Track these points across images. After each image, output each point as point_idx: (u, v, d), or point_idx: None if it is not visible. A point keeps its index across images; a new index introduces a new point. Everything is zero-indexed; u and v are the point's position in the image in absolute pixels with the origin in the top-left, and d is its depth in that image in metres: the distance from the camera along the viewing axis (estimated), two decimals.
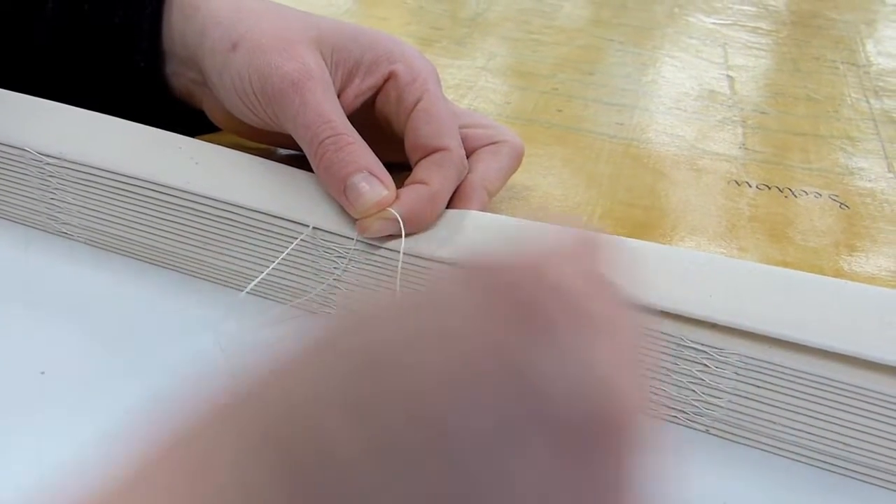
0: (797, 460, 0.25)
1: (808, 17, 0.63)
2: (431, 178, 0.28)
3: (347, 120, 0.29)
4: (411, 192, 0.28)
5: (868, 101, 0.49)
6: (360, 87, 0.30)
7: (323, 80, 0.29)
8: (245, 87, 0.29)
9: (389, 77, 0.30)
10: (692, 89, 0.49)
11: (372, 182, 0.27)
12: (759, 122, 0.44)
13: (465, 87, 0.47)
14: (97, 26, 0.33)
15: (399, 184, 0.28)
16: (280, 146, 0.35)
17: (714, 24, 0.60)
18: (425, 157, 0.29)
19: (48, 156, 0.30)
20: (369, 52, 0.30)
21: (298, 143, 0.29)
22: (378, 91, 0.31)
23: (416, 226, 0.27)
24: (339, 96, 0.30)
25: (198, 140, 0.31)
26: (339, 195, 0.28)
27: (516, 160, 0.33)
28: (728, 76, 0.51)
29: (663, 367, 0.25)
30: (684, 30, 0.58)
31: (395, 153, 0.30)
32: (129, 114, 0.32)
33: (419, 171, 0.29)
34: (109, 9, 0.33)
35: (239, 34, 0.30)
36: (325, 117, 0.28)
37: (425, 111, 0.30)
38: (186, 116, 0.34)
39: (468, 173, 0.31)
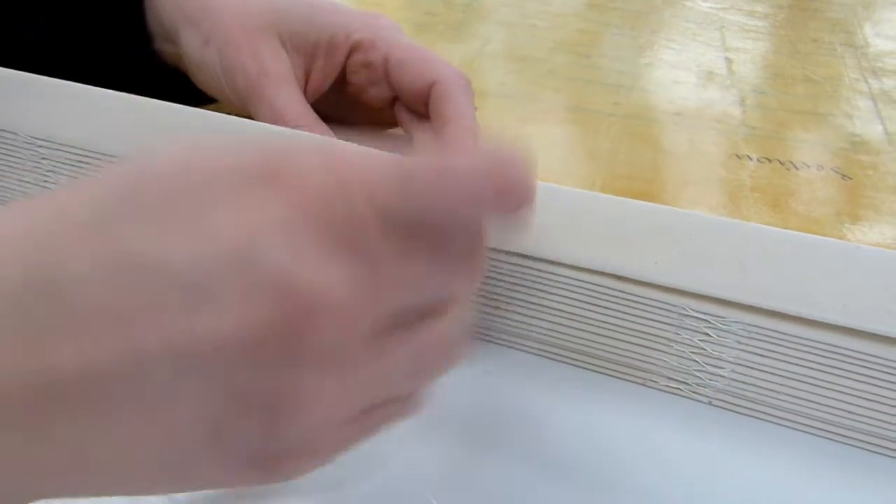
0: (801, 430, 0.25)
1: (805, 0, 0.63)
2: (447, 114, 0.29)
3: (305, 107, 0.30)
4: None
5: (867, 81, 0.48)
6: (326, 68, 0.31)
7: (278, 76, 0.30)
8: (219, 81, 0.31)
9: (351, 50, 0.31)
10: (690, 71, 0.48)
11: None
12: (759, 101, 0.44)
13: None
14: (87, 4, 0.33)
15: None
16: None
17: (711, 7, 0.59)
18: (427, 99, 0.30)
19: (40, 139, 0.30)
20: (326, 30, 0.31)
21: None
22: (345, 66, 0.31)
23: None
24: (306, 80, 0.32)
25: (188, 110, 0.30)
26: None
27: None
28: (726, 58, 0.51)
29: (665, 338, 0.25)
30: (681, 13, 0.58)
31: (385, 117, 0.32)
32: (127, 85, 0.32)
33: (433, 115, 0.29)
34: None
35: (208, 30, 0.31)
36: (279, 112, 0.29)
37: (399, 62, 0.30)
38: (188, 86, 0.34)
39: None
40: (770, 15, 0.59)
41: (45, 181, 0.31)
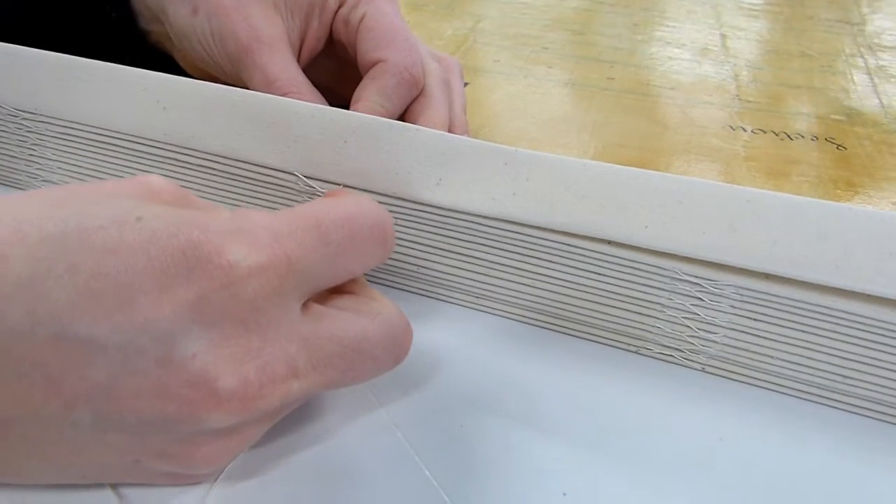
0: (795, 396, 0.25)
1: None
2: (363, 92, 0.29)
3: (298, 72, 0.29)
4: None
5: (863, 57, 0.48)
6: (319, 29, 0.31)
7: (271, 40, 0.29)
8: (210, 50, 0.30)
9: (339, 6, 0.30)
10: (684, 48, 0.48)
11: None
12: (753, 76, 0.44)
13: (453, 47, 0.46)
14: None
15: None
16: None
17: None
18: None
19: (24, 111, 0.30)
20: None
21: None
22: (332, 25, 0.31)
23: None
24: (302, 43, 0.31)
25: (168, 78, 0.29)
26: None
27: (456, 93, 0.32)
28: (721, 34, 0.50)
29: (657, 303, 0.25)
30: None
31: None
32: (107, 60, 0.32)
33: (357, 90, 0.29)
34: None
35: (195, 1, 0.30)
36: (270, 78, 0.29)
37: (366, 28, 0.30)
38: (166, 63, 0.34)
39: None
40: None
41: (32, 154, 0.31)
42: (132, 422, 0.16)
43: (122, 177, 0.30)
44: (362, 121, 0.25)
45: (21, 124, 0.30)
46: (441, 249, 0.26)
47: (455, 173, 0.25)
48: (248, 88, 0.29)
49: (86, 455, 0.17)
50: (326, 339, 0.19)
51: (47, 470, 0.18)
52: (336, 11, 0.31)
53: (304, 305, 0.19)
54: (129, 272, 0.16)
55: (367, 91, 0.29)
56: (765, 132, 0.36)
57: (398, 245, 0.27)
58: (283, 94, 0.28)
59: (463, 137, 0.26)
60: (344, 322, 0.19)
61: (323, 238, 0.18)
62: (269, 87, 0.29)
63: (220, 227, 0.17)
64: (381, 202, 0.26)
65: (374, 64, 0.29)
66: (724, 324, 0.24)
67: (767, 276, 0.23)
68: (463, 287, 0.27)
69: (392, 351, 0.20)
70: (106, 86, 0.28)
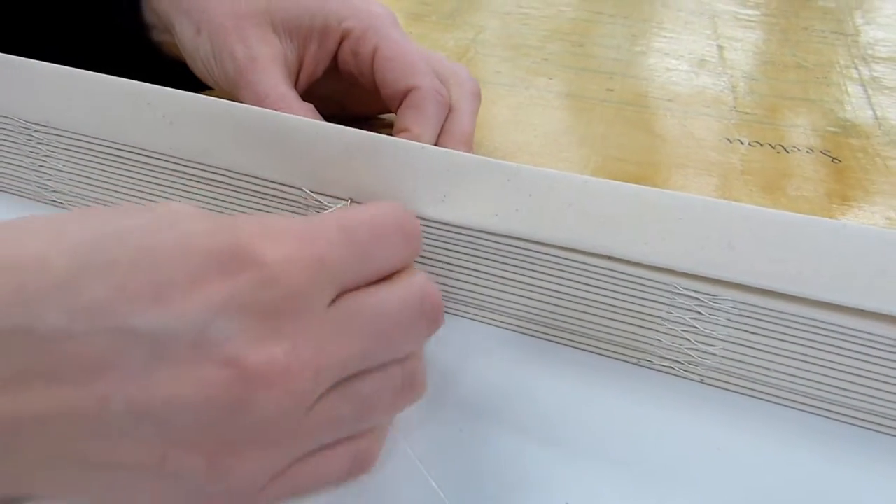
0: (792, 407, 0.25)
1: None
2: (410, 123, 0.29)
3: (288, 89, 0.30)
4: None
5: (857, 69, 0.49)
6: (318, 55, 0.32)
7: (265, 60, 0.30)
8: (211, 69, 0.31)
9: (343, 38, 0.31)
10: (682, 59, 0.49)
11: None
12: (750, 87, 0.45)
13: (454, 58, 0.46)
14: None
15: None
16: None
17: None
18: (401, 103, 0.30)
19: (34, 123, 0.30)
20: (319, 16, 0.31)
21: None
22: (336, 54, 0.32)
23: None
24: (300, 65, 0.32)
25: (173, 93, 0.29)
26: None
27: (477, 100, 0.33)
28: (718, 46, 0.51)
29: (657, 317, 0.25)
30: (673, 3, 0.58)
31: (377, 104, 0.32)
32: (122, 73, 0.33)
33: (399, 120, 0.30)
34: None
35: (199, 18, 0.31)
36: (261, 95, 0.30)
37: (385, 59, 0.30)
38: (181, 71, 0.34)
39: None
40: (762, 4, 0.59)
41: (43, 166, 0.31)
42: (165, 411, 0.16)
43: (132, 188, 0.30)
44: (368, 138, 0.26)
45: (32, 136, 0.31)
46: (445, 263, 0.27)
47: (459, 190, 0.26)
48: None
49: (117, 451, 0.17)
50: (353, 315, 0.19)
51: (74, 478, 0.18)
52: (340, 43, 0.31)
53: (335, 300, 0.19)
54: (164, 269, 0.16)
55: (411, 121, 0.30)
56: (761, 145, 0.37)
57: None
58: (275, 109, 0.29)
59: (467, 154, 0.26)
60: (366, 294, 0.19)
61: (350, 237, 0.19)
62: (260, 103, 0.29)
63: (251, 229, 0.18)
64: None
65: (406, 93, 0.30)
66: (722, 337, 0.25)
67: (766, 292, 0.24)
68: (466, 300, 0.28)
69: (422, 312, 0.20)
70: (112, 99, 0.29)
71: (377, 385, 0.20)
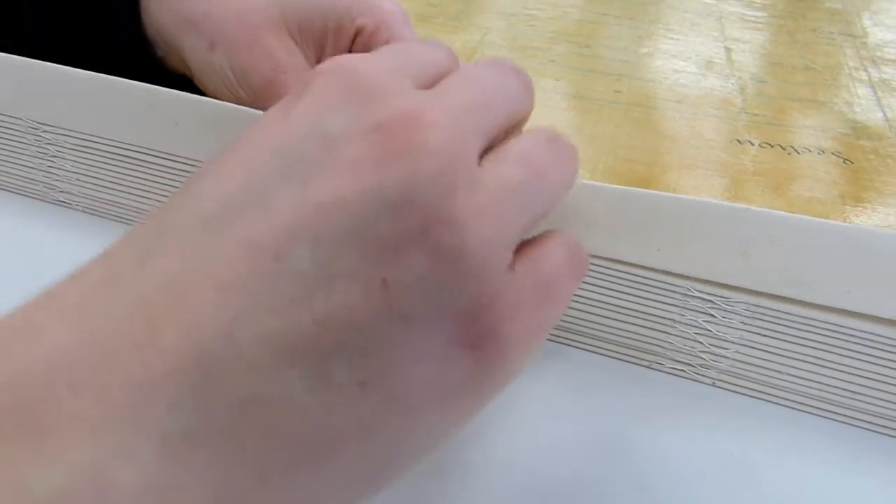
0: (805, 411, 0.25)
1: None
2: None
3: None
4: None
5: (866, 70, 0.49)
6: (334, 54, 0.31)
7: (294, 70, 0.29)
8: (231, 85, 0.30)
9: (356, 35, 0.31)
10: (689, 60, 0.48)
11: None
12: (758, 89, 0.44)
13: (462, 59, 0.46)
14: (81, 9, 0.33)
15: None
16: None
17: None
18: None
19: (42, 123, 0.30)
20: (332, 15, 0.30)
21: None
22: (350, 51, 0.31)
23: None
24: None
25: (178, 96, 0.29)
26: None
27: None
28: (725, 47, 0.51)
29: (669, 319, 0.25)
30: (679, 4, 0.58)
31: None
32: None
33: None
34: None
35: (212, 33, 0.30)
36: None
37: None
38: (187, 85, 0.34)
39: None
40: (769, 5, 0.59)
41: (51, 166, 0.31)
42: (350, 223, 0.14)
43: (141, 188, 0.30)
44: None
45: (40, 137, 0.31)
46: None
47: None
48: None
49: (324, 302, 0.14)
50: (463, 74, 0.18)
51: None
52: (353, 40, 0.31)
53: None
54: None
55: None
56: (772, 146, 0.36)
57: None
58: None
59: None
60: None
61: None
62: None
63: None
64: None
65: None
66: (735, 340, 0.25)
67: (780, 296, 0.24)
68: None
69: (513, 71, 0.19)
70: (118, 101, 0.29)
71: (526, 143, 0.17)
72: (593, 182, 0.25)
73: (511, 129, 0.19)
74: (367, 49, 0.31)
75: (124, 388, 0.13)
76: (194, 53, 0.30)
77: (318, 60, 0.31)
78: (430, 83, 0.17)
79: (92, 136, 0.29)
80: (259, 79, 0.29)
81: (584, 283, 0.26)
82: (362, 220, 0.14)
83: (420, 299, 0.14)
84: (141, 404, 0.13)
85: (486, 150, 0.17)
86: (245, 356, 0.13)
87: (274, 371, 0.13)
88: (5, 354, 0.13)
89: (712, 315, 0.25)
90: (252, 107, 0.29)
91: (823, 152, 0.36)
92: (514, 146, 0.17)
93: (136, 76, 0.31)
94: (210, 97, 0.34)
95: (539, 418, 0.24)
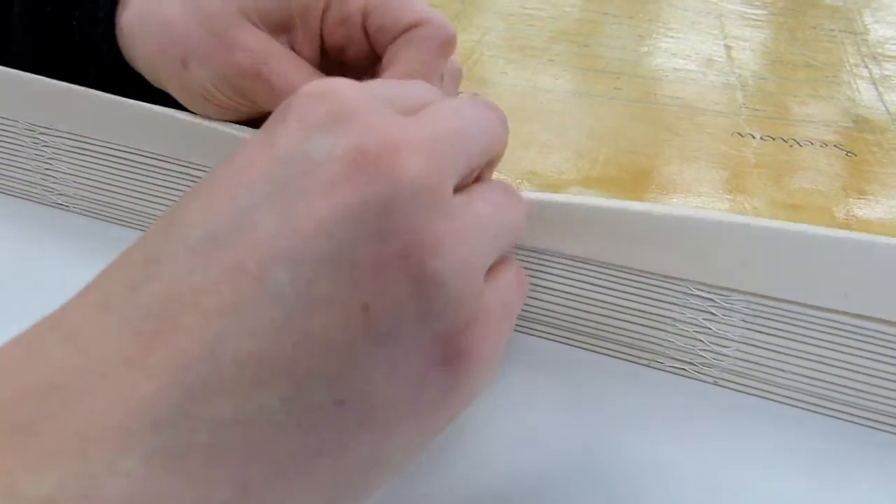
0: (807, 409, 0.25)
1: None
2: (400, 58, 0.26)
3: (319, 71, 0.28)
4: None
5: (867, 67, 0.48)
6: (306, 38, 0.28)
7: (274, 55, 0.28)
8: (213, 94, 0.29)
9: (325, 8, 0.28)
10: (689, 59, 0.48)
11: None
12: (759, 86, 0.44)
13: (460, 60, 0.46)
14: (60, 29, 0.32)
15: None
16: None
17: None
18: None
19: (39, 125, 0.30)
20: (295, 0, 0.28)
21: None
22: (322, 34, 0.29)
23: None
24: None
25: (189, 116, 0.29)
26: None
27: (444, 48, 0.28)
28: (725, 45, 0.50)
29: (669, 317, 0.25)
30: (678, 3, 0.58)
31: None
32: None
33: (389, 55, 0.27)
34: (68, 15, 0.31)
35: (180, 50, 0.28)
36: (299, 84, 0.27)
37: (377, 5, 0.27)
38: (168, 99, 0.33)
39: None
40: (769, 3, 0.59)
41: (48, 168, 0.31)
42: (329, 246, 0.14)
43: (138, 190, 0.30)
44: None
45: (37, 139, 0.30)
46: None
47: None
48: (267, 112, 0.29)
49: (303, 325, 0.14)
50: (430, 111, 0.18)
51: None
52: (322, 19, 0.28)
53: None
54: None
55: (403, 55, 0.26)
56: (773, 139, 0.36)
57: None
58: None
59: None
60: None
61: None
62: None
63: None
64: None
65: (405, 32, 0.27)
66: (736, 338, 0.25)
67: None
68: None
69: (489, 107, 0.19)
70: (112, 112, 0.28)
71: (489, 189, 0.18)
72: (593, 198, 0.24)
73: (486, 166, 0.19)
74: (342, 20, 0.28)
75: (113, 406, 0.14)
76: (169, 75, 0.29)
77: (293, 47, 0.29)
78: (412, 112, 0.18)
79: (88, 138, 0.29)
80: (243, 78, 0.27)
81: (581, 282, 0.25)
82: (341, 244, 0.15)
83: (399, 322, 0.15)
84: (128, 422, 0.13)
85: (457, 188, 0.17)
86: (226, 377, 0.14)
87: (254, 391, 0.14)
88: (10, 375, 0.14)
89: (712, 313, 0.24)
90: (241, 109, 0.29)
91: (826, 145, 0.36)
92: (480, 189, 0.18)
93: (123, 90, 0.31)
94: (191, 111, 0.33)
95: (538, 417, 0.24)
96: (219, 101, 0.29)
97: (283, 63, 0.28)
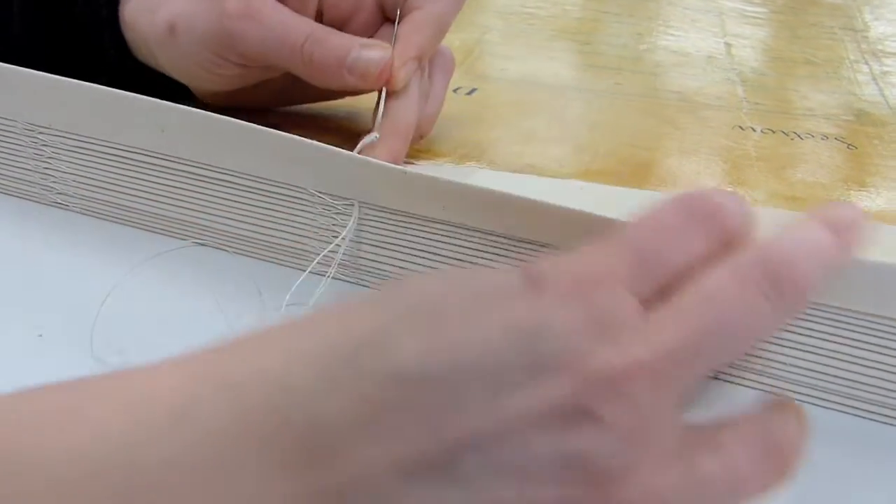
0: (810, 402, 0.25)
1: None
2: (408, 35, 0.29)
3: (311, 19, 0.29)
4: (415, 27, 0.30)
5: (868, 63, 0.48)
6: (301, 8, 0.30)
7: (264, 6, 0.29)
8: (204, 56, 0.29)
9: None
10: (689, 56, 0.48)
11: (370, 48, 0.28)
12: (759, 81, 0.44)
13: (461, 58, 0.46)
14: (63, 17, 0.32)
15: None
16: (248, 106, 0.35)
17: None
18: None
19: (38, 125, 0.30)
20: None
21: (278, 63, 0.29)
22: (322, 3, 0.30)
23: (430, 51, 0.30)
24: None
25: (185, 108, 0.28)
26: (343, 77, 0.28)
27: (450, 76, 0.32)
28: (725, 43, 0.50)
29: None
30: (679, 1, 0.58)
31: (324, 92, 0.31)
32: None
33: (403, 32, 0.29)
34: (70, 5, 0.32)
35: (169, 17, 0.29)
36: (292, 26, 0.28)
37: None
38: (169, 86, 0.34)
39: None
40: (769, 1, 0.59)
41: (47, 168, 0.31)
42: (523, 460, 0.14)
43: (138, 189, 0.30)
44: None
45: (37, 138, 0.30)
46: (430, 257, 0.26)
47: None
48: (257, 64, 0.30)
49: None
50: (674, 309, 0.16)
51: None
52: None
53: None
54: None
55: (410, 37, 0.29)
56: (774, 132, 0.36)
57: (403, 253, 0.27)
58: (311, 34, 0.28)
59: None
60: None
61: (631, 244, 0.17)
62: (292, 34, 0.28)
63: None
64: (388, 215, 0.26)
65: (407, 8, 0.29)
66: None
67: None
68: None
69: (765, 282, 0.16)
70: (107, 107, 0.29)
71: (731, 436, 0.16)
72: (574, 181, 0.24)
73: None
74: None
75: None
76: (160, 46, 0.30)
77: None
78: (670, 279, 0.16)
79: (88, 137, 0.29)
80: (234, 22, 0.28)
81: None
82: (534, 473, 0.14)
83: None
84: None
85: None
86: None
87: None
88: (167, 436, 0.14)
89: None
90: (226, 72, 0.29)
91: (827, 138, 0.36)
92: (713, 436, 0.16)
93: (122, 80, 0.31)
94: (198, 91, 0.33)
95: None
96: (211, 64, 0.29)
97: (271, 6, 0.28)
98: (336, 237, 0.27)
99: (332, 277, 0.27)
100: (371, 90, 0.30)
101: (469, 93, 0.40)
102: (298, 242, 0.28)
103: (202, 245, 0.30)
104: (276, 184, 0.27)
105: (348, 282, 0.28)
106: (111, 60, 0.33)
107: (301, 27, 0.28)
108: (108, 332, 0.25)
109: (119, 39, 0.32)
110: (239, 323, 0.26)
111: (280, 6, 0.29)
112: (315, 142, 0.26)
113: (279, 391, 0.14)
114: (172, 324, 0.27)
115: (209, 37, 0.29)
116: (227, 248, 0.30)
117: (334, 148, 0.26)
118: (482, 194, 0.25)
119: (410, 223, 0.26)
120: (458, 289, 0.16)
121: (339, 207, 0.27)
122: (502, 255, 0.25)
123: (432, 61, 0.31)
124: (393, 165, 0.26)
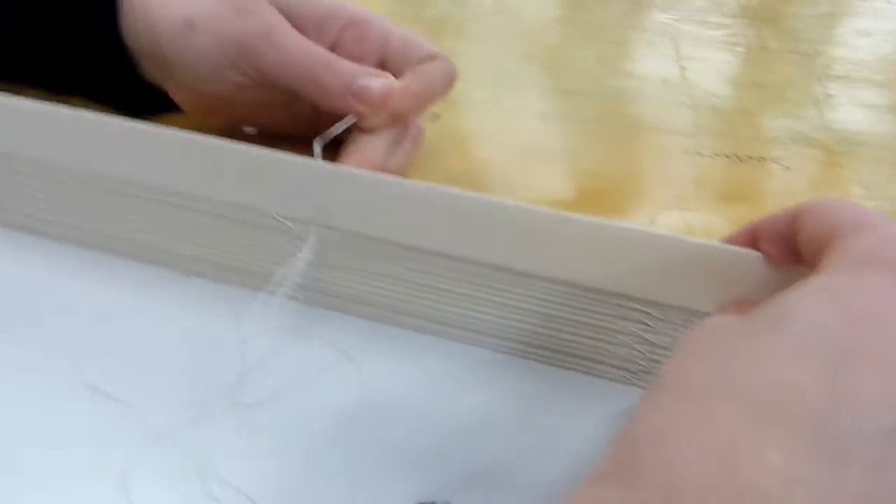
0: None
1: (758, 10, 0.65)
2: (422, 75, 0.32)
3: (318, 48, 0.31)
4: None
5: (819, 86, 0.51)
6: (316, 41, 0.32)
7: (284, 23, 0.31)
8: (217, 59, 0.31)
9: (345, 28, 0.33)
10: (645, 78, 0.51)
11: (376, 76, 0.31)
12: (710, 104, 0.47)
13: None
14: (59, 25, 0.34)
15: None
16: (242, 122, 0.36)
17: (667, 19, 0.62)
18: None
19: (13, 154, 0.31)
20: (317, 8, 0.33)
21: (289, 82, 0.31)
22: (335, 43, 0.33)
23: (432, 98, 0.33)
24: None
25: (163, 130, 0.30)
26: (348, 101, 0.30)
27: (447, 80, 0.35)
28: (679, 66, 0.53)
29: (609, 329, 0.27)
30: (638, 25, 0.60)
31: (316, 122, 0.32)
32: (101, 96, 0.34)
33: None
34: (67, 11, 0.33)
35: (188, 12, 0.31)
36: (307, 50, 0.30)
37: (403, 39, 0.33)
38: (157, 97, 0.35)
39: None
40: (724, 25, 0.62)
41: (21, 194, 0.32)
42: None
43: (108, 218, 0.31)
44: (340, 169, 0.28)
45: (15, 168, 0.32)
46: (393, 278, 0.28)
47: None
48: (262, 81, 0.31)
49: None
50: None
51: None
52: (338, 34, 0.33)
53: None
54: None
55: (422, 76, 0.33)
56: (720, 156, 0.39)
57: (364, 275, 0.29)
58: (325, 58, 0.31)
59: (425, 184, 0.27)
60: None
61: None
62: (306, 58, 0.30)
63: None
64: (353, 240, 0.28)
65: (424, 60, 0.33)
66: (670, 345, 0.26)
67: None
68: (424, 315, 0.29)
69: None
70: (78, 131, 0.30)
71: None
72: (526, 204, 0.26)
73: None
74: (361, 39, 0.33)
75: None
76: (172, 40, 0.31)
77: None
78: None
79: (63, 166, 0.31)
80: (252, 37, 0.30)
81: (521, 295, 0.27)
82: None
83: None
84: None
85: None
86: None
87: None
88: None
89: (647, 325, 0.26)
90: (232, 78, 0.31)
91: (776, 161, 0.39)
92: None
93: (114, 88, 0.32)
94: (183, 96, 0.34)
95: (486, 427, 0.26)
96: (219, 68, 0.31)
97: (289, 32, 0.31)
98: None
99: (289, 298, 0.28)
100: (372, 122, 0.32)
101: (433, 119, 0.42)
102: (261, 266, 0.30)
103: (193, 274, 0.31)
104: (247, 212, 0.29)
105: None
106: (104, 64, 0.34)
107: (315, 51, 0.31)
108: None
109: (118, 40, 0.33)
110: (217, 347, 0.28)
111: (297, 33, 0.31)
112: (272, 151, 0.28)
113: None
114: (156, 349, 0.28)
115: (227, 43, 0.31)
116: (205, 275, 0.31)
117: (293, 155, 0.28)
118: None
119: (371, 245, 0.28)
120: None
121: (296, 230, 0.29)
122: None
123: (407, 127, 0.34)
124: (359, 170, 0.28)
